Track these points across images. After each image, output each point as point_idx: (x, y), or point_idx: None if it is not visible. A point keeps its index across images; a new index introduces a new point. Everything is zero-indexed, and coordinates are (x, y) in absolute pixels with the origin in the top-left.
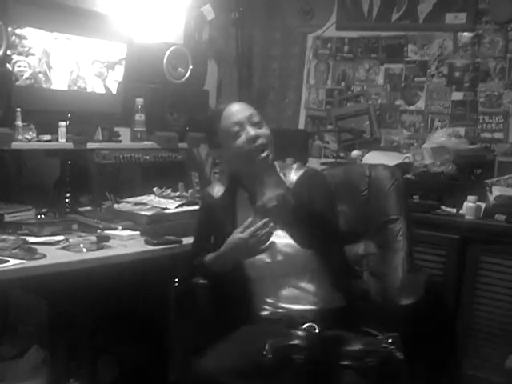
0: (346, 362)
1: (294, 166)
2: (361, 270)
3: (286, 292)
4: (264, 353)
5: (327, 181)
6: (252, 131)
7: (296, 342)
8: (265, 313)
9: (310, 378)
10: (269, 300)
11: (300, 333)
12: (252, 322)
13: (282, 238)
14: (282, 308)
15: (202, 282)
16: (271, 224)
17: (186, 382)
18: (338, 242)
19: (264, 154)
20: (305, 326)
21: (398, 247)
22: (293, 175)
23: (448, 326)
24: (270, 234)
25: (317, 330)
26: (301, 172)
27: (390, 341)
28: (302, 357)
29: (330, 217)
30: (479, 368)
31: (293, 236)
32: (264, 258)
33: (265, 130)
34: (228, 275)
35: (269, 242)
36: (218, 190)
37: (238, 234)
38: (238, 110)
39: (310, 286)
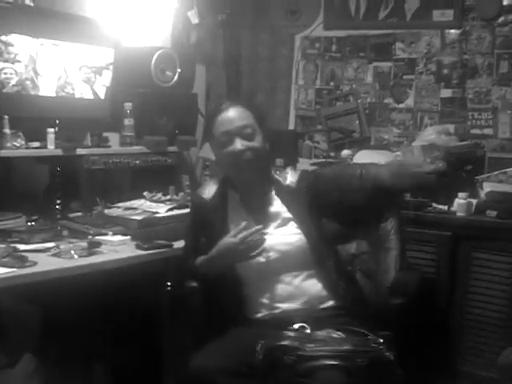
0: (334, 362)
1: (288, 169)
2: (353, 270)
3: (279, 290)
4: (256, 354)
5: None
6: (239, 145)
7: (286, 342)
8: (259, 315)
9: (300, 377)
10: (264, 301)
11: (290, 333)
12: (244, 324)
13: (276, 237)
14: (276, 308)
15: (193, 285)
16: (264, 230)
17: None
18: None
19: (248, 166)
20: (296, 326)
21: (390, 246)
22: (290, 176)
23: (441, 323)
24: (262, 240)
25: (308, 331)
26: (298, 172)
27: (380, 341)
28: (293, 357)
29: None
30: (473, 365)
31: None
32: (258, 258)
33: (255, 143)
34: (220, 278)
35: (261, 248)
36: (208, 192)
37: (229, 239)
38: (230, 120)
39: (303, 284)
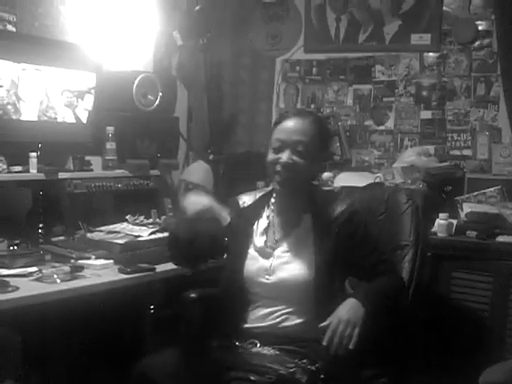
0: (252, 377)
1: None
2: None
3: (266, 312)
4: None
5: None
6: (286, 157)
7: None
8: (245, 326)
9: None
10: (251, 317)
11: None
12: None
13: (284, 263)
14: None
15: (192, 295)
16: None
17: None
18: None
19: (286, 180)
20: (248, 341)
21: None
22: (338, 205)
23: (421, 344)
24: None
25: (257, 346)
26: (345, 205)
27: (301, 364)
28: (214, 368)
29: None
30: None
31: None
32: (261, 277)
33: (301, 161)
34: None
35: None
36: (248, 199)
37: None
38: (289, 129)
39: (294, 314)
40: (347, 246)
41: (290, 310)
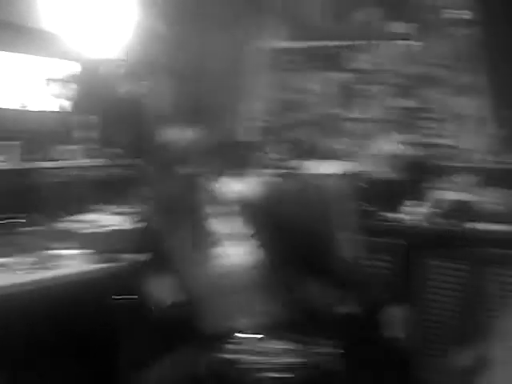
0: (283, 375)
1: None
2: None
3: (233, 307)
4: (200, 368)
5: None
6: None
7: (229, 355)
8: (212, 329)
9: None
10: (217, 316)
11: (234, 346)
12: (197, 339)
13: (231, 256)
14: (229, 323)
15: None
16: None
17: None
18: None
19: None
20: (245, 336)
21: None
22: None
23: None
24: None
25: (257, 340)
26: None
27: (327, 352)
28: (236, 370)
29: None
30: (430, 371)
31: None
32: (212, 276)
33: None
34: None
35: None
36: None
37: None
38: None
39: (256, 301)
40: (285, 231)
41: (251, 299)
